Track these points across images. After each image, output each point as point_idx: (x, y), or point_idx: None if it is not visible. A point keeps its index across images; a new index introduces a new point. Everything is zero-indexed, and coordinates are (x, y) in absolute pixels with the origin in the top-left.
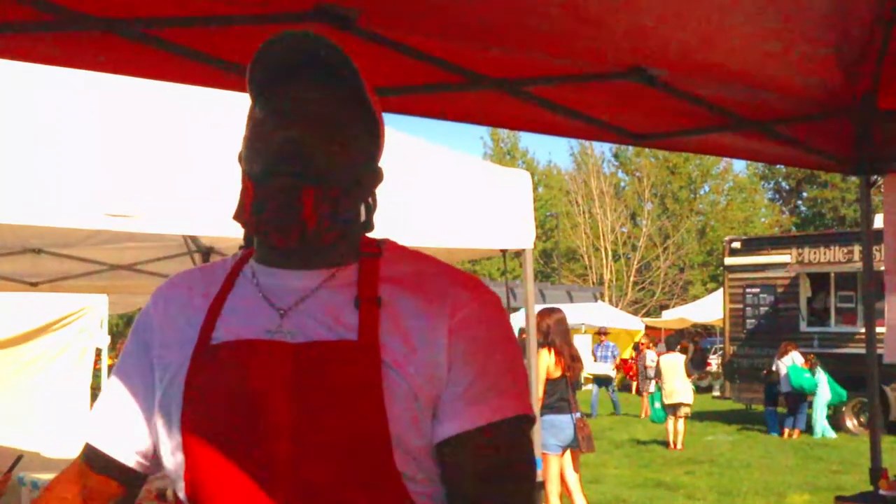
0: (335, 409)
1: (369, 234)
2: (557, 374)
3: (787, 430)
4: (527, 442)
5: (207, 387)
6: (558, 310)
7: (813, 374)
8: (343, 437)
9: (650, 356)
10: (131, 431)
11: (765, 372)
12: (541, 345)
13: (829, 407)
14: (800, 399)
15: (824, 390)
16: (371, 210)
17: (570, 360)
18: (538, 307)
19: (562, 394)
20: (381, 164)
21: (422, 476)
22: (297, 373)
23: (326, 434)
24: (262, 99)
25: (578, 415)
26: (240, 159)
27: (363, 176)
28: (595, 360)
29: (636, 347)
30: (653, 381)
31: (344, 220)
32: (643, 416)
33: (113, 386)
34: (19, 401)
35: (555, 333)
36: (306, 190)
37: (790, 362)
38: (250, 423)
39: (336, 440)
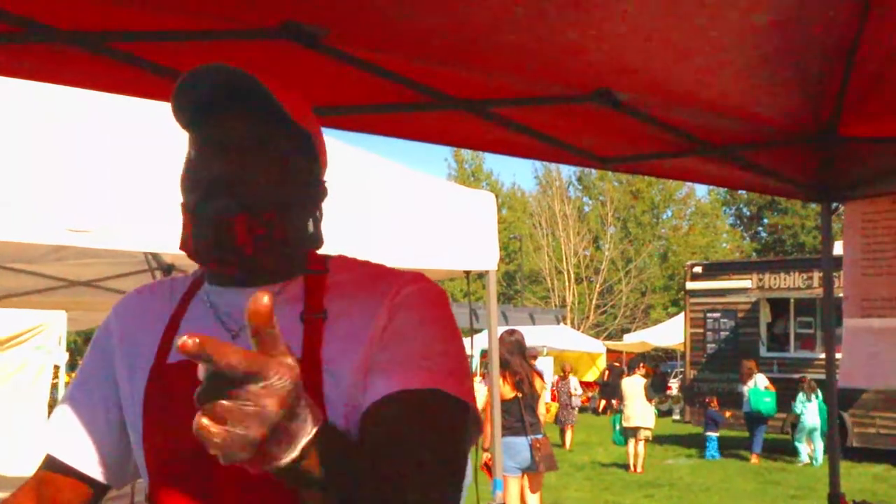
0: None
1: (321, 251)
2: (510, 395)
3: (754, 455)
4: (444, 420)
5: (163, 407)
6: (516, 331)
7: (808, 399)
8: None
9: (573, 383)
10: (93, 442)
11: (706, 399)
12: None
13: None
14: (757, 422)
15: (811, 416)
16: (318, 224)
17: (525, 382)
18: (500, 328)
19: (516, 415)
20: (324, 179)
21: None
22: None
23: None
24: (190, 134)
25: (539, 436)
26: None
27: (299, 193)
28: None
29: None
30: (575, 411)
31: (282, 240)
32: (566, 447)
33: (73, 398)
34: None
35: (510, 355)
36: (237, 218)
37: (752, 385)
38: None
39: None
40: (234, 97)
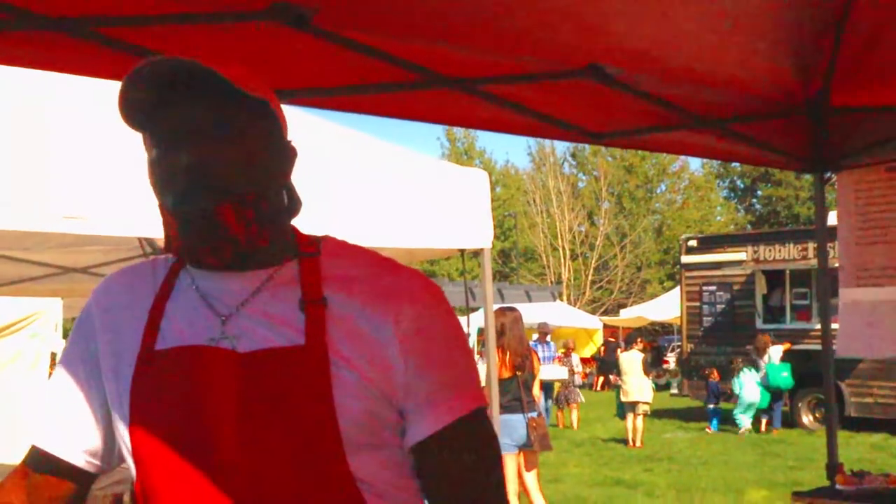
0: (284, 416)
1: (307, 231)
2: (507, 374)
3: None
4: (489, 430)
5: (153, 395)
6: (514, 309)
7: (738, 376)
8: (294, 444)
9: (575, 360)
10: (78, 430)
11: (705, 371)
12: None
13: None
14: (775, 397)
15: (749, 391)
16: (292, 192)
17: (521, 360)
18: (496, 306)
19: (514, 393)
20: (289, 138)
21: (379, 481)
22: (243, 380)
23: (276, 441)
24: (146, 133)
25: (534, 414)
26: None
27: (271, 165)
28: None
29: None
30: (577, 389)
31: (270, 217)
32: (561, 426)
33: (57, 386)
34: None
35: (509, 333)
36: (222, 207)
37: (768, 360)
38: (198, 432)
39: (286, 447)
40: (181, 86)
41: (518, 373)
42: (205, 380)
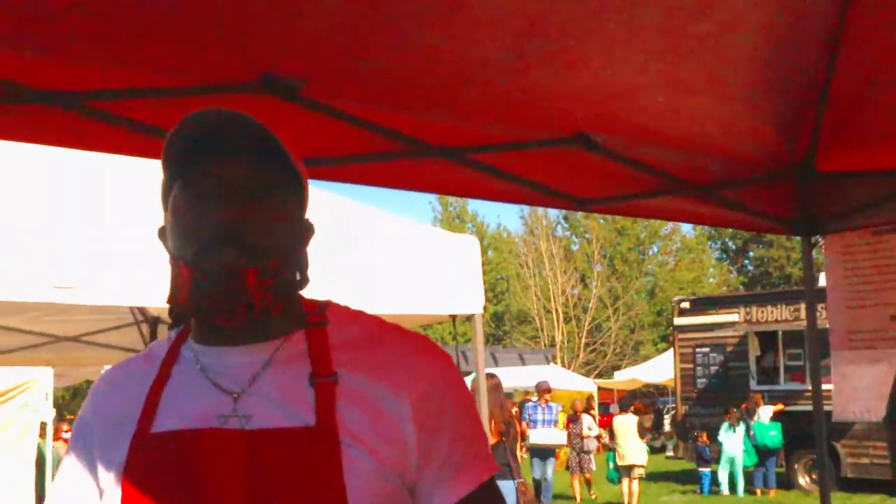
0: (294, 500)
1: (309, 296)
2: (493, 440)
3: (759, 490)
4: (501, 496)
5: (147, 478)
6: (493, 376)
7: (732, 429)
8: None
9: (587, 422)
10: None
11: (695, 433)
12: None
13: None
14: (766, 455)
15: (732, 445)
16: (305, 267)
17: (505, 426)
18: (488, 370)
19: (502, 458)
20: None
21: None
22: (251, 463)
23: None
24: (182, 179)
25: (521, 479)
26: (161, 238)
27: (295, 237)
28: (528, 427)
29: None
30: (590, 456)
31: (285, 288)
32: (578, 499)
33: (57, 494)
34: None
35: (490, 400)
36: (247, 269)
37: (756, 419)
38: None
39: None
40: (234, 140)
41: (503, 438)
42: (211, 461)
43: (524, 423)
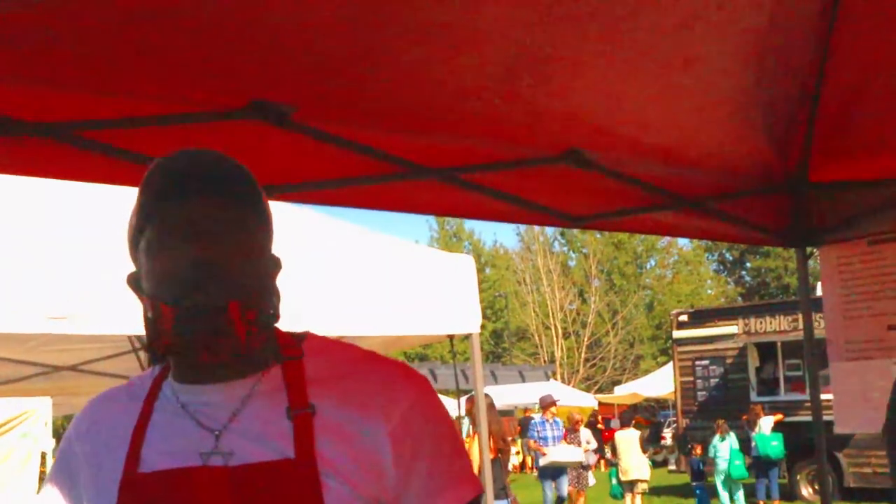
0: None
1: (286, 328)
2: (491, 456)
3: (761, 502)
4: None
5: None
6: (486, 395)
7: (722, 439)
8: None
9: (585, 436)
10: None
11: (690, 446)
12: (472, 432)
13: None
14: (767, 466)
15: (722, 458)
16: (277, 301)
17: (503, 443)
18: (489, 388)
19: (496, 474)
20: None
21: None
22: (236, 499)
23: None
24: (156, 222)
25: (512, 498)
26: (132, 284)
27: (268, 270)
28: (536, 444)
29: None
30: (588, 473)
31: (265, 322)
32: None
33: None
34: None
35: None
36: (231, 303)
37: (758, 430)
38: None
39: None
40: (209, 181)
41: (500, 457)
42: (195, 501)
43: (532, 441)
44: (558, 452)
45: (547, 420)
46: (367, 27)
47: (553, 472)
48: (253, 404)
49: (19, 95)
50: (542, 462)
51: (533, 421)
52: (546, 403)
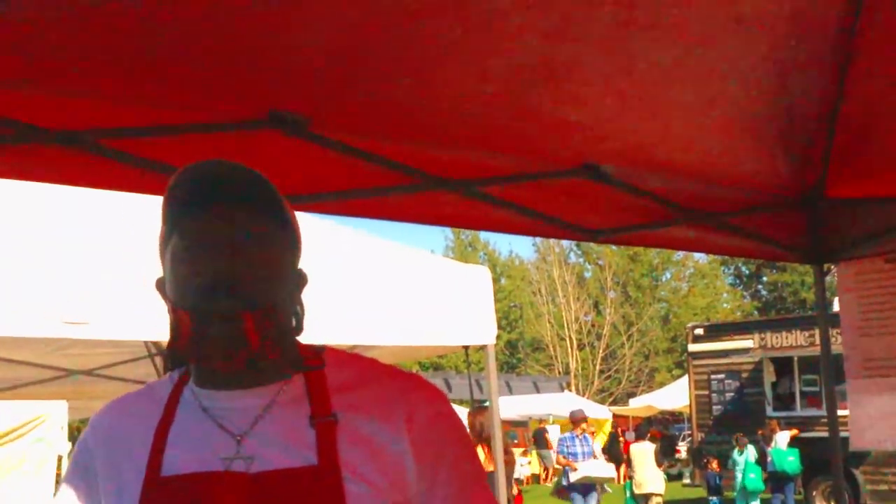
0: None
1: (305, 341)
2: (492, 468)
3: None
4: None
5: None
6: (485, 407)
7: (741, 453)
8: None
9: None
10: None
11: (705, 461)
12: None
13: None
14: (784, 481)
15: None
16: (301, 315)
17: (506, 454)
18: (503, 398)
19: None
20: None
21: None
22: (258, 503)
23: None
24: (181, 229)
25: None
26: (160, 289)
27: (290, 283)
28: (566, 460)
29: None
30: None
31: (282, 333)
32: None
33: None
34: None
35: (488, 430)
36: (245, 314)
37: (774, 445)
38: None
39: None
40: (231, 190)
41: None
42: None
43: (561, 457)
44: (590, 468)
45: (577, 435)
46: (385, 42)
47: (583, 488)
48: (275, 411)
49: (42, 104)
50: (574, 477)
51: (562, 436)
52: (577, 419)
